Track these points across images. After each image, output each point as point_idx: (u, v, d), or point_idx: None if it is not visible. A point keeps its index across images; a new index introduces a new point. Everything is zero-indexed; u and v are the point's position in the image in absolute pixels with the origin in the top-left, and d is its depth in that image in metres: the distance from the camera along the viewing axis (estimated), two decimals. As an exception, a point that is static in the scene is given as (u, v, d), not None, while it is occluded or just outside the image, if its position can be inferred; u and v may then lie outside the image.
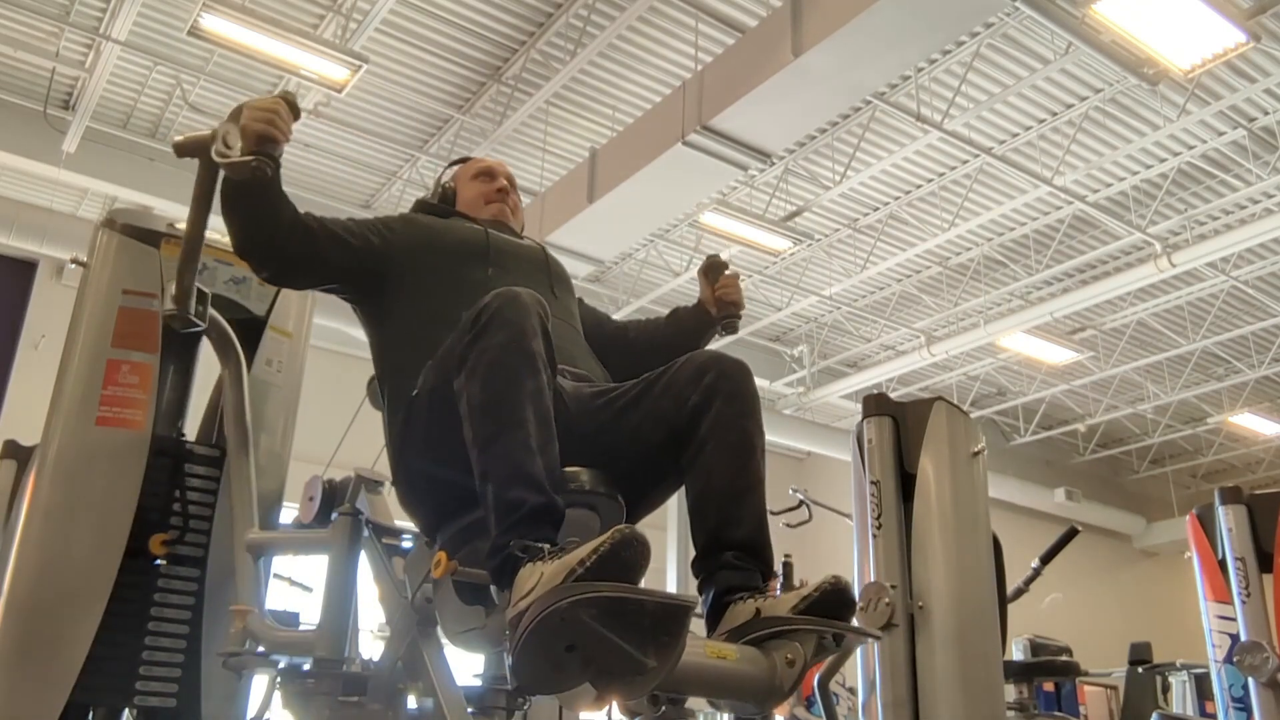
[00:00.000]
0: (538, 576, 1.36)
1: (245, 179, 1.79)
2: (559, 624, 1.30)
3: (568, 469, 1.66)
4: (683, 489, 1.82)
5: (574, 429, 1.69)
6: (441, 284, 1.99)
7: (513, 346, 1.59)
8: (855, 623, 1.61)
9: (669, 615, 1.33)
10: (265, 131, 1.76)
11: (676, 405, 1.76)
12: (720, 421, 1.73)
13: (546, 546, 1.42)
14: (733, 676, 1.52)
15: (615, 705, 1.83)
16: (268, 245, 1.91)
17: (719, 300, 2.26)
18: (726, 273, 2.28)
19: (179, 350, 2.33)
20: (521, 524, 1.47)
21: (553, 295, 2.09)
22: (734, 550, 1.68)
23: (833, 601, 1.55)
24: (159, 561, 2.18)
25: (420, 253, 2.05)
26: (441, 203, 2.31)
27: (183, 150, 1.85)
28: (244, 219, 1.87)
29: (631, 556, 1.33)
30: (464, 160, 2.43)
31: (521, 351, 1.59)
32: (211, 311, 2.26)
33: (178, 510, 2.17)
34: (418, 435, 1.80)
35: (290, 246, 1.92)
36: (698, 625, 1.54)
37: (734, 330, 2.29)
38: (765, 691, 1.53)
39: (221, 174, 1.83)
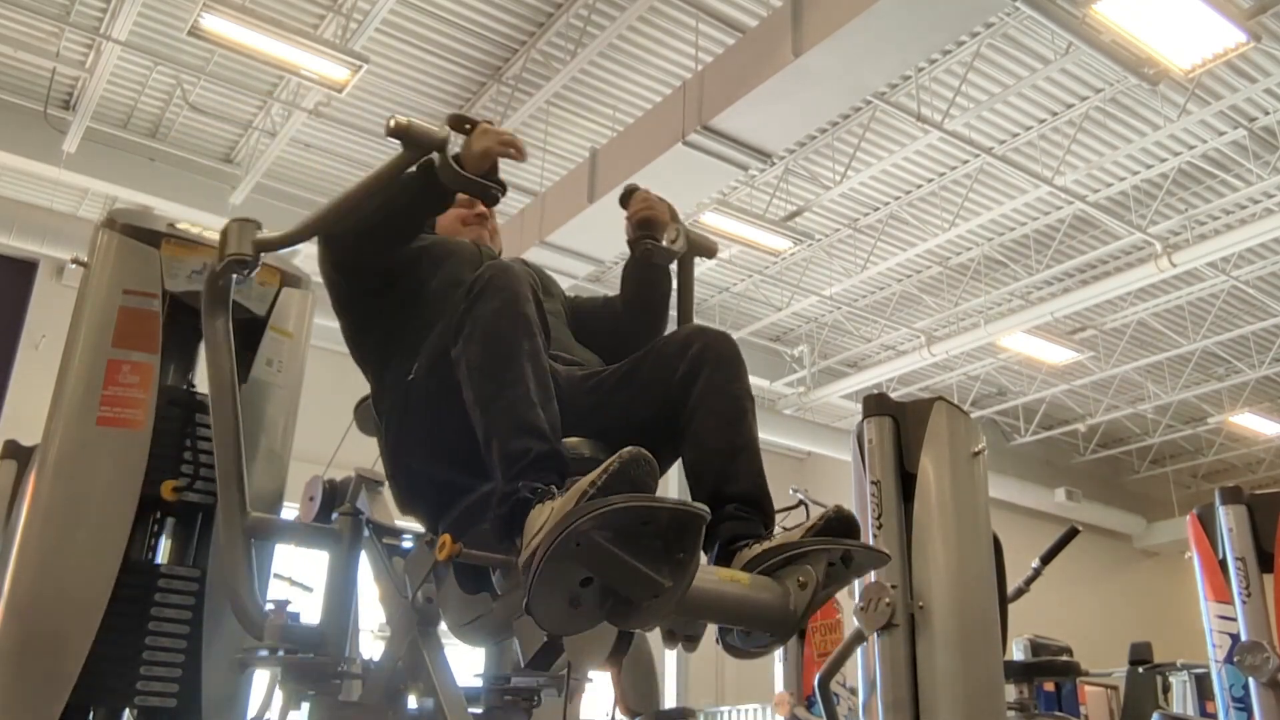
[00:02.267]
0: (548, 512, 1.38)
1: (467, 194, 1.81)
2: (574, 549, 1.31)
3: (565, 440, 1.66)
4: (679, 463, 1.83)
5: (568, 409, 1.70)
6: (441, 286, 2.00)
7: (507, 310, 1.63)
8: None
9: (682, 525, 1.34)
10: (499, 156, 1.79)
11: (665, 378, 1.79)
12: (709, 388, 1.76)
13: (554, 488, 1.43)
14: (747, 601, 1.51)
15: (617, 709, 1.83)
16: (386, 241, 1.94)
17: (628, 225, 2.14)
18: (637, 195, 2.15)
19: (180, 350, 2.33)
20: (528, 470, 1.49)
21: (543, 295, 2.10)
22: (735, 503, 1.69)
23: (838, 525, 1.57)
24: (159, 563, 2.18)
25: (420, 257, 2.07)
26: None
27: (408, 135, 1.76)
28: (398, 215, 1.90)
29: (640, 474, 1.35)
30: None
31: (517, 315, 1.63)
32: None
33: (188, 459, 2.17)
34: (415, 420, 1.82)
35: (396, 248, 1.98)
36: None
37: (655, 256, 2.12)
38: (780, 614, 1.52)
39: (416, 169, 1.80)
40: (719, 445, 1.73)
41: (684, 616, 1.55)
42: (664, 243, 2.13)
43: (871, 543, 2.63)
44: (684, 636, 1.61)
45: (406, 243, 1.99)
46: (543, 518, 1.38)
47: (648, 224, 2.12)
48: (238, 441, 1.94)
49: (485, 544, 1.57)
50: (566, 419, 1.66)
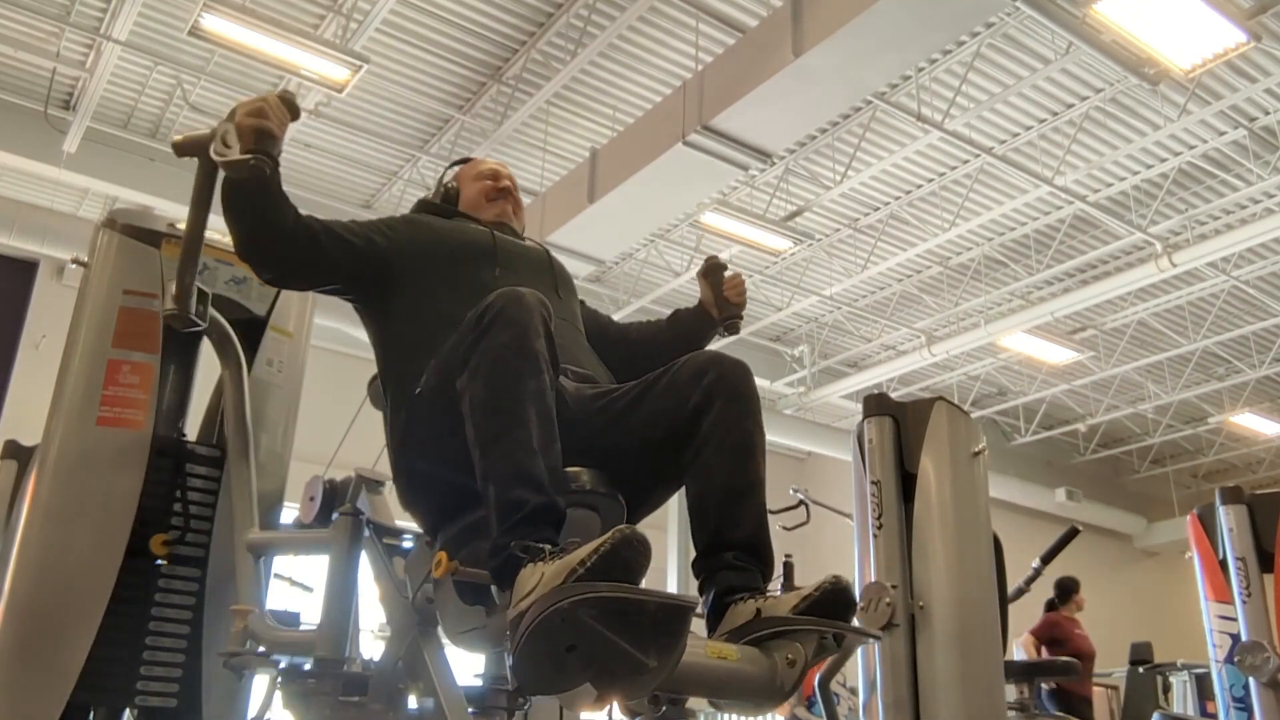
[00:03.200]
0: (539, 577, 1.36)
1: (244, 178, 1.78)
2: (560, 624, 1.30)
3: (569, 469, 1.66)
4: (684, 489, 1.82)
5: (575, 429, 1.69)
6: (448, 285, 1.99)
7: (516, 346, 1.59)
8: (856, 623, 1.61)
9: (670, 616, 1.33)
10: (260, 127, 1.76)
11: (677, 405, 1.76)
12: (721, 422, 1.73)
13: (547, 547, 1.42)
14: (734, 677, 1.52)
15: (616, 706, 1.83)
16: (269, 246, 1.89)
17: (725, 301, 2.27)
18: (728, 273, 2.29)
19: (179, 350, 2.33)
20: (523, 524, 1.47)
21: (557, 297, 2.09)
22: (734, 550, 1.68)
23: (833, 601, 1.55)
24: (160, 562, 2.18)
25: (425, 253, 2.04)
26: (444, 202, 2.31)
27: (182, 150, 1.85)
28: (245, 219, 1.86)
29: (632, 556, 1.33)
30: (466, 160, 2.43)
31: (525, 351, 1.59)
32: (212, 311, 2.26)
33: (179, 510, 2.17)
34: (419, 434, 1.80)
35: (292, 247, 1.90)
36: (698, 626, 1.54)
37: (735, 331, 2.29)
38: (766, 691, 1.53)
39: (221, 174, 1.83)
40: (725, 484, 1.72)
41: (669, 690, 1.55)
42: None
43: (872, 544, 2.63)
44: (668, 700, 1.60)
45: (283, 232, 1.89)
46: (532, 582, 1.37)
47: (739, 306, 2.27)
48: (249, 468, 1.95)
49: (483, 559, 1.57)
50: (573, 440, 1.65)
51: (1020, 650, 6.35)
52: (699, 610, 1.55)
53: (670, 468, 1.79)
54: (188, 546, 2.15)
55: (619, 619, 1.31)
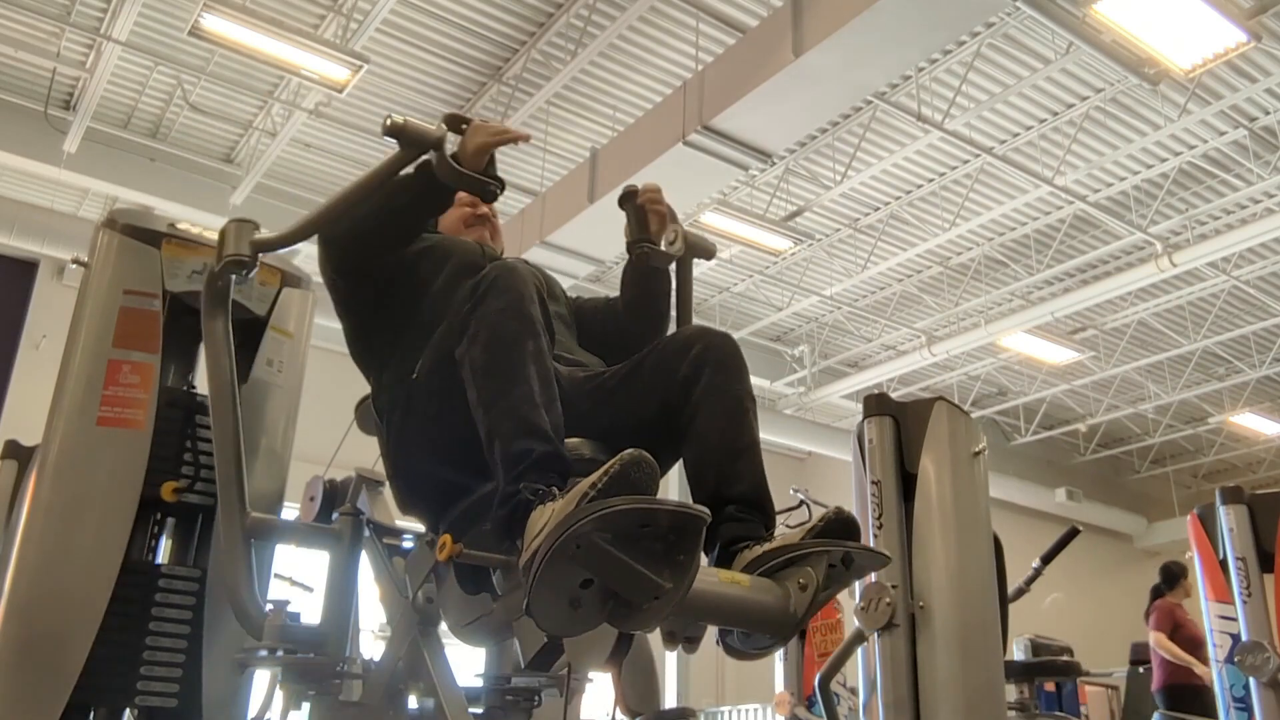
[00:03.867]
0: (549, 513, 1.38)
1: (466, 191, 1.82)
2: (575, 550, 1.31)
3: (566, 441, 1.66)
4: (680, 463, 1.83)
5: (569, 409, 1.70)
6: (445, 287, 2.00)
7: (512, 311, 1.63)
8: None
9: (683, 527, 1.34)
10: (495, 148, 1.80)
11: (667, 379, 1.78)
12: (711, 389, 1.75)
13: (555, 489, 1.43)
14: (747, 602, 1.52)
15: (616, 707, 1.83)
16: (385, 242, 1.95)
17: (630, 225, 2.14)
18: (639, 197, 2.12)
19: (180, 350, 2.33)
20: (530, 471, 1.49)
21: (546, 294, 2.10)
22: (735, 504, 1.69)
23: (838, 527, 1.57)
24: (160, 563, 2.18)
25: (422, 258, 2.06)
26: None
27: (401, 133, 1.77)
28: (400, 209, 1.90)
29: (640, 477, 1.35)
30: None
31: (521, 315, 1.63)
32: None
33: (189, 460, 2.17)
34: (416, 419, 1.81)
35: (396, 241, 1.97)
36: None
37: (652, 259, 2.11)
38: (780, 617, 1.52)
39: (413, 167, 1.81)
40: (720, 446, 1.73)
41: (684, 618, 1.55)
42: (662, 245, 2.12)
43: (872, 543, 2.63)
44: (684, 638, 1.61)
45: (407, 243, 1.99)
46: (543, 519, 1.38)
47: (646, 224, 2.12)
48: (237, 442, 1.94)
49: (486, 544, 1.57)
50: (568, 420, 1.65)
51: (1157, 649, 6.10)
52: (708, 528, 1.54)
53: (666, 441, 1.79)
54: (196, 494, 2.15)
55: (632, 539, 1.32)
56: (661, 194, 2.14)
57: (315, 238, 1.95)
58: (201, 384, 2.31)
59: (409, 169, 1.82)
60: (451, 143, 1.82)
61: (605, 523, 1.30)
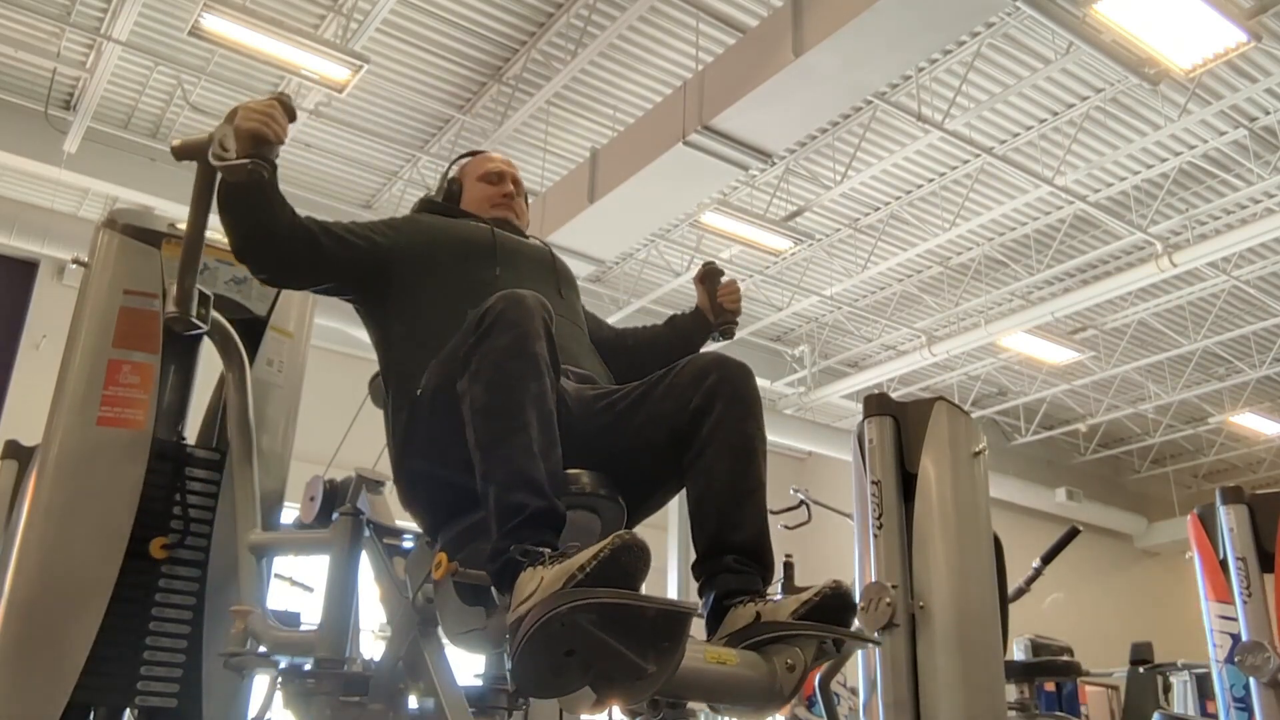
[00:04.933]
0: (538, 581, 1.36)
1: (241, 181, 1.80)
2: (559, 629, 1.30)
3: (569, 470, 1.66)
4: (684, 491, 1.82)
5: (575, 430, 1.69)
6: (448, 283, 1.99)
7: (516, 349, 1.59)
8: (856, 626, 1.61)
9: (669, 621, 1.33)
10: (259, 132, 1.77)
11: (678, 407, 1.76)
12: (722, 424, 1.73)
13: (547, 551, 1.42)
14: (733, 681, 1.52)
15: (615, 708, 1.83)
16: (266, 246, 1.90)
17: (719, 307, 2.31)
18: (724, 279, 2.33)
19: (180, 351, 2.33)
20: (522, 528, 1.47)
21: (559, 296, 2.09)
22: (734, 553, 1.68)
23: (832, 606, 1.55)
24: (160, 563, 2.18)
25: (426, 252, 2.04)
26: (447, 199, 2.31)
27: (181, 153, 1.87)
28: (241, 221, 1.87)
29: (631, 562, 1.33)
30: (473, 154, 2.41)
31: (525, 354, 1.59)
32: (214, 314, 2.26)
33: (178, 514, 2.17)
34: (420, 435, 1.80)
35: (288, 248, 1.91)
36: (698, 628, 1.54)
37: (730, 336, 2.36)
38: (765, 696, 1.53)
39: (219, 176, 1.83)
40: (725, 487, 1.71)
41: (669, 694, 1.54)
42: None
43: (872, 544, 2.63)
44: (668, 705, 1.60)
45: (280, 233, 1.90)
46: (531, 585, 1.37)
47: (737, 312, 2.34)
48: (252, 469, 1.95)
49: (483, 561, 1.57)
50: (573, 441, 1.64)
51: None
52: (699, 612, 1.55)
53: (671, 470, 1.78)
54: (187, 550, 2.15)
55: (618, 625, 1.31)
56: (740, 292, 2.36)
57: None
58: (190, 434, 2.33)
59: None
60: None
61: (590, 610, 1.29)
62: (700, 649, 1.52)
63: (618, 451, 1.76)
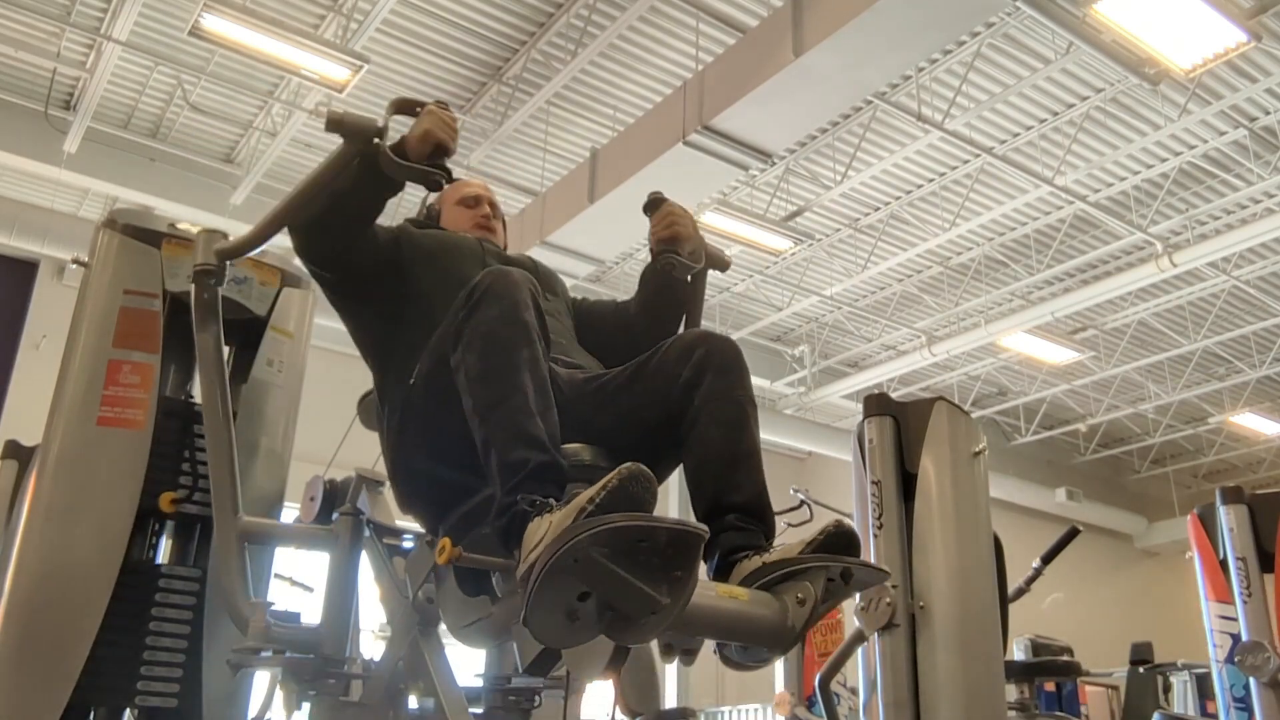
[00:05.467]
0: (547, 525, 1.37)
1: (406, 181, 1.82)
2: (572, 564, 1.30)
3: (566, 445, 1.66)
4: (681, 468, 1.82)
5: (569, 411, 1.70)
6: (444, 285, 1.99)
7: (506, 318, 1.62)
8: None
9: (681, 544, 1.33)
10: (448, 145, 1.81)
11: (668, 383, 1.78)
12: (712, 394, 1.75)
13: (553, 500, 1.43)
14: (745, 617, 1.51)
15: (617, 707, 1.83)
16: (348, 233, 1.93)
17: (653, 239, 2.15)
18: (662, 208, 2.15)
19: (180, 350, 2.33)
20: (527, 481, 1.49)
21: (544, 298, 2.10)
22: (735, 513, 1.68)
23: (838, 541, 1.56)
24: (160, 563, 2.18)
25: (422, 257, 2.07)
26: (427, 220, 2.35)
27: (339, 128, 1.79)
28: (349, 207, 1.90)
29: (639, 491, 1.34)
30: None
31: (516, 322, 1.62)
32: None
33: (187, 470, 2.17)
34: (414, 427, 1.81)
35: (361, 236, 1.96)
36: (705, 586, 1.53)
37: (676, 270, 2.12)
38: (778, 631, 1.52)
39: (356, 160, 1.81)
40: (721, 453, 1.73)
41: (682, 631, 1.55)
42: (684, 255, 2.13)
43: (872, 544, 2.63)
44: (681, 650, 1.60)
45: (365, 232, 1.95)
46: (540, 531, 1.38)
47: (674, 239, 2.12)
48: (230, 449, 1.94)
49: (486, 547, 1.57)
50: (568, 422, 1.65)
51: None
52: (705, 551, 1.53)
53: (666, 446, 1.79)
54: (195, 505, 2.15)
55: (630, 554, 1.31)
56: (679, 209, 2.16)
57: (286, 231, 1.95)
58: (199, 392, 2.31)
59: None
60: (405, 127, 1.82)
61: (603, 538, 1.29)
62: (712, 587, 1.52)
63: (612, 432, 1.77)
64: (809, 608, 1.51)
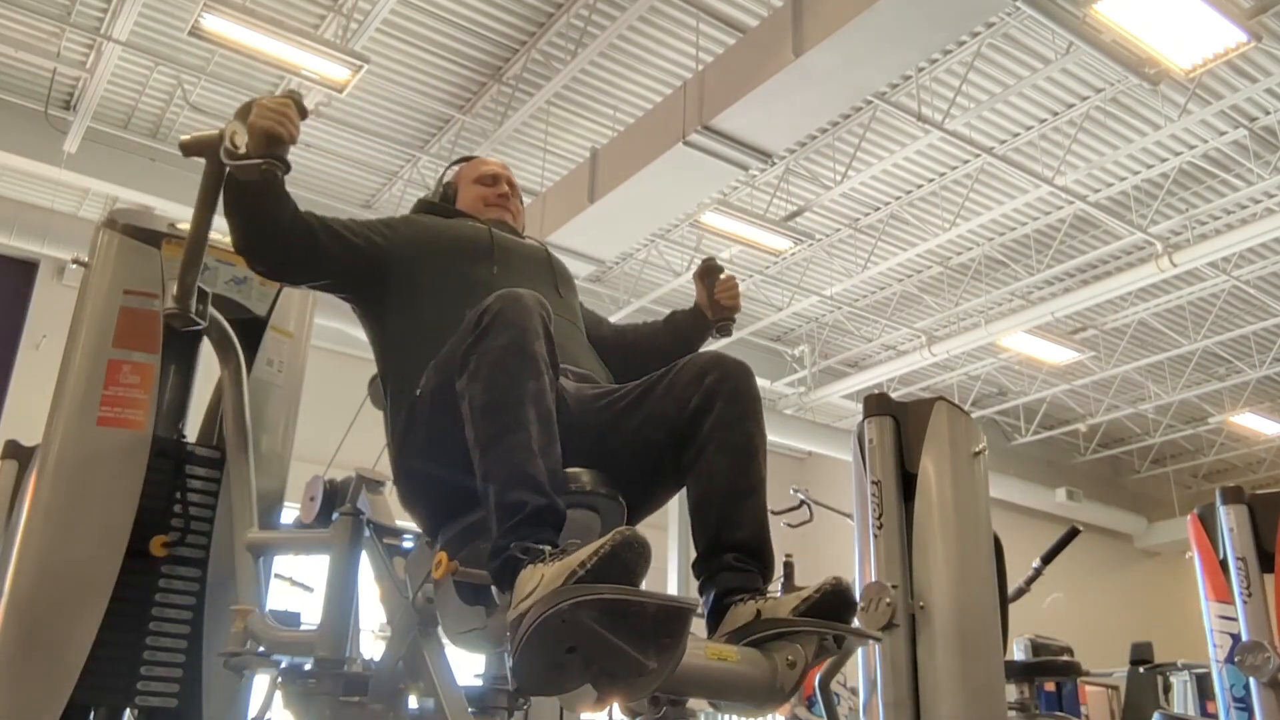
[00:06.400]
0: (538, 578, 1.36)
1: (252, 180, 1.79)
2: (559, 625, 1.30)
3: (569, 469, 1.66)
4: (684, 490, 1.82)
5: (575, 430, 1.69)
6: (446, 283, 1.99)
7: (515, 348, 1.59)
8: (856, 624, 1.61)
9: (669, 617, 1.33)
10: (275, 131, 1.76)
11: (678, 406, 1.76)
12: (722, 423, 1.73)
13: (547, 548, 1.42)
14: (734, 678, 1.52)
15: (616, 706, 1.83)
16: (269, 243, 1.90)
17: (717, 304, 2.28)
18: (723, 276, 2.30)
19: (180, 350, 2.33)
20: (522, 526, 1.47)
21: (557, 295, 2.09)
22: (735, 552, 1.68)
23: (833, 603, 1.55)
24: (161, 561, 2.18)
25: (424, 252, 2.05)
26: (443, 201, 2.32)
27: (190, 150, 1.84)
28: (247, 218, 1.87)
29: (632, 558, 1.33)
30: (467, 159, 2.42)
31: (524, 353, 1.59)
32: (212, 311, 2.26)
33: (178, 512, 2.17)
34: (419, 435, 1.80)
35: (290, 244, 1.92)
36: (699, 626, 1.54)
37: (728, 334, 2.32)
38: (766, 693, 1.52)
39: (227, 173, 1.83)
40: (725, 486, 1.71)
41: (669, 691, 1.55)
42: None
43: (872, 544, 2.63)
44: (669, 702, 1.60)
45: (284, 232, 1.91)
46: (532, 583, 1.37)
47: (735, 309, 2.30)
48: (248, 462, 1.95)
49: (483, 561, 1.57)
50: (573, 441, 1.64)
51: None
52: (699, 611, 1.55)
53: (671, 469, 1.78)
54: (187, 548, 2.15)
55: (619, 621, 1.30)
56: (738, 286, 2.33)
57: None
58: (191, 432, 2.33)
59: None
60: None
61: (591, 606, 1.29)
62: (701, 646, 1.52)
63: (618, 450, 1.76)
64: (799, 670, 1.52)
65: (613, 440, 1.78)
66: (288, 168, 1.80)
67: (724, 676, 1.51)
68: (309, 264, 1.97)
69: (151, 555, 2.11)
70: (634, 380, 1.86)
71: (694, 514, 1.74)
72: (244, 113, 1.79)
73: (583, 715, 2.10)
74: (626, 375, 1.97)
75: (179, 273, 2.07)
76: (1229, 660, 3.74)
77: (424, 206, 2.29)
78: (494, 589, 1.64)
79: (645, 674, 1.33)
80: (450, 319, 1.78)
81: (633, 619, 1.31)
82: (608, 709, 1.82)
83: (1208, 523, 3.98)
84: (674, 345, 2.26)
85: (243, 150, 1.76)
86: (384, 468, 1.98)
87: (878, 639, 1.69)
